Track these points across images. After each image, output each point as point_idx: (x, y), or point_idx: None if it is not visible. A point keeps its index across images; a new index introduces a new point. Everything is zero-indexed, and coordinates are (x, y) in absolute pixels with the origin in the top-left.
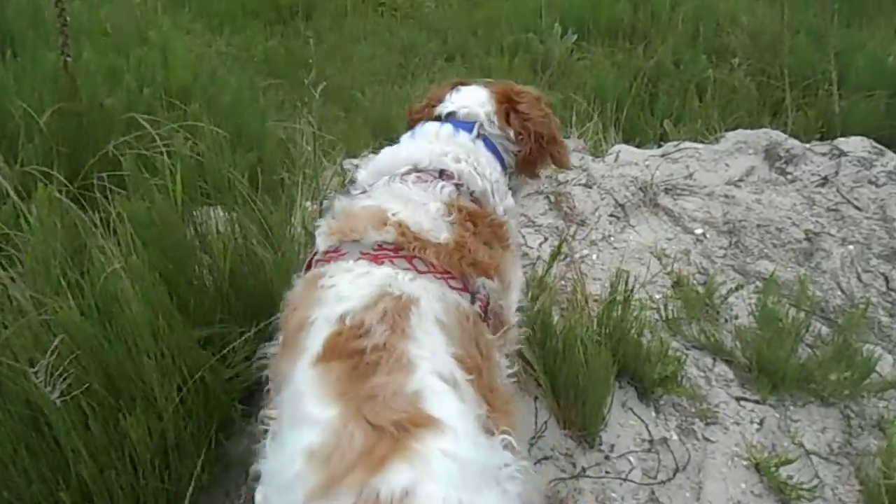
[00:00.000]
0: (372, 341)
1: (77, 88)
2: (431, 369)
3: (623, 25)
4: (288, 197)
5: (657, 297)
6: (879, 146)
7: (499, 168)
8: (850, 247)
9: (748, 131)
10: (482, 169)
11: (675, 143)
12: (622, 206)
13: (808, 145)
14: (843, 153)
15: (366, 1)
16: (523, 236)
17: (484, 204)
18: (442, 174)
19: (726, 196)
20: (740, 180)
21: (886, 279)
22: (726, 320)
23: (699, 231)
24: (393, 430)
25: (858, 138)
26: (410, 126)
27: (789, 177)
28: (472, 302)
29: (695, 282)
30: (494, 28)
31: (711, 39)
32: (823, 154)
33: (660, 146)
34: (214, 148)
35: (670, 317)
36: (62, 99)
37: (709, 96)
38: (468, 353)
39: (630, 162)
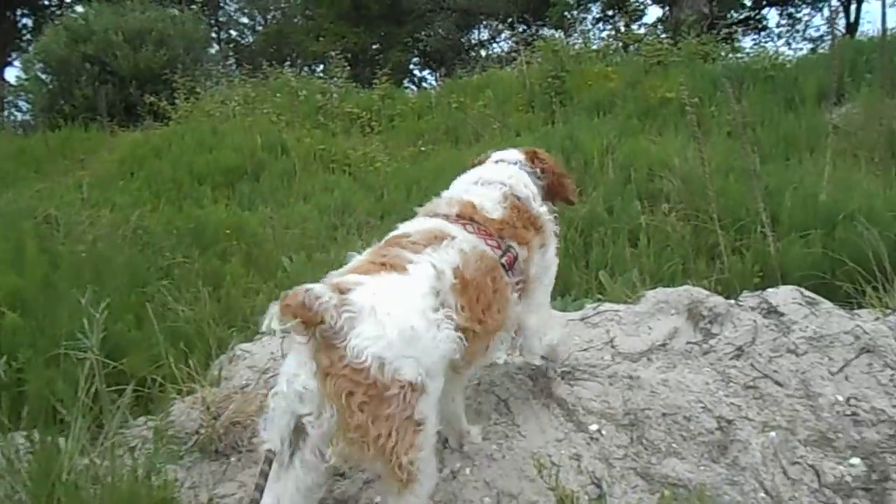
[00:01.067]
0: (408, 240)
1: None
2: (430, 261)
3: None
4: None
5: None
6: (811, 295)
7: (535, 187)
8: (772, 434)
9: (669, 290)
10: (525, 182)
11: (595, 304)
12: (505, 401)
13: (732, 301)
14: (772, 308)
15: (318, 158)
16: None
17: (527, 205)
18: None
19: (630, 377)
20: (663, 345)
21: (817, 472)
22: None
23: (594, 427)
24: (380, 265)
25: (789, 288)
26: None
27: (705, 346)
28: (502, 256)
29: (586, 496)
30: (433, 182)
31: (644, 184)
32: (753, 308)
33: (599, 300)
34: None
35: None
36: None
37: (643, 243)
38: (475, 278)
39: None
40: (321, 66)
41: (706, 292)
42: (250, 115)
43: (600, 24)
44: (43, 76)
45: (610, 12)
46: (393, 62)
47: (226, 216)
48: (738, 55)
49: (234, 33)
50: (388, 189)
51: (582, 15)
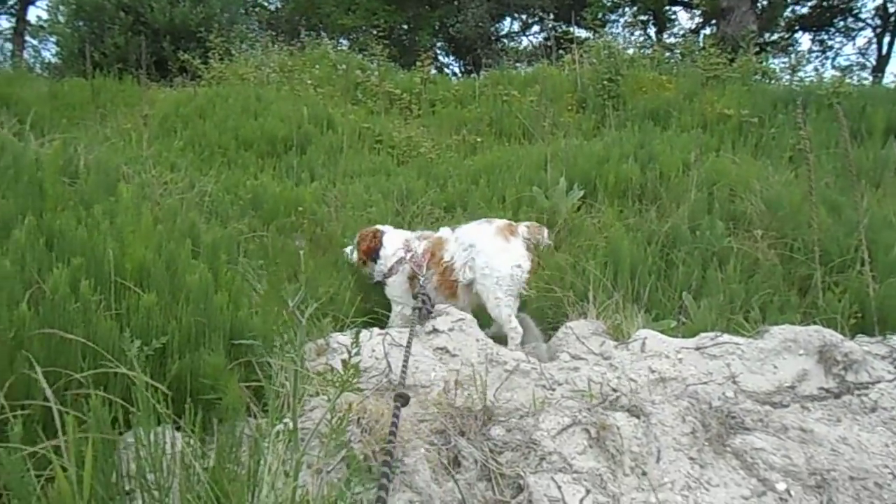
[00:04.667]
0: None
1: None
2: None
3: (632, 185)
4: (254, 451)
5: None
6: None
7: None
8: None
9: (797, 328)
10: None
11: (713, 335)
12: (682, 448)
13: (865, 347)
14: None
15: (362, 137)
16: (558, 485)
17: None
18: None
19: (802, 430)
20: (791, 387)
21: None
22: None
23: (782, 487)
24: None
25: None
26: None
27: (864, 398)
28: None
29: None
30: (497, 178)
31: (726, 205)
32: (884, 357)
33: (682, 323)
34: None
35: None
36: None
37: (731, 268)
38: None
39: (659, 353)
40: (346, 41)
41: (840, 336)
42: (286, 83)
43: (629, 29)
44: (75, 20)
45: (643, 17)
46: (420, 45)
47: (280, 189)
48: (799, 77)
49: None
50: (452, 180)
51: (614, 17)
